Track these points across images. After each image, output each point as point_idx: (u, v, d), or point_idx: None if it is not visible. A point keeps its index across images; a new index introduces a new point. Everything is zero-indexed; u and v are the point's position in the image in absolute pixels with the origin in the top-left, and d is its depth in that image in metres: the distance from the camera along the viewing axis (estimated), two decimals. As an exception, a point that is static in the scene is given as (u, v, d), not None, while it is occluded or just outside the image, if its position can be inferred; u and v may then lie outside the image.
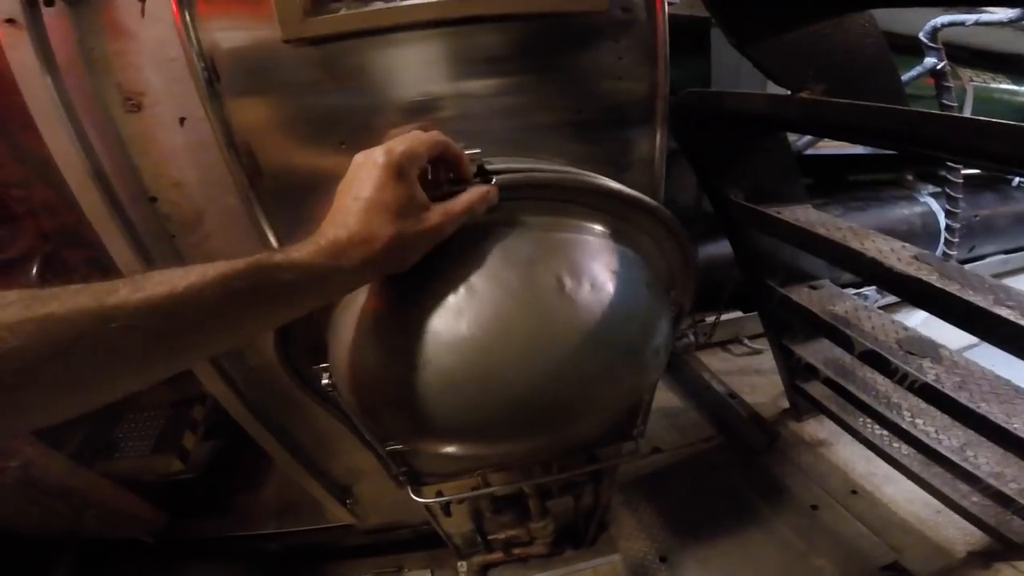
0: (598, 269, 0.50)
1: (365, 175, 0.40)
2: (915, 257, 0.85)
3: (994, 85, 2.15)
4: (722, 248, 1.47)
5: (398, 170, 0.40)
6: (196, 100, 0.51)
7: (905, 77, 1.60)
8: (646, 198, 0.56)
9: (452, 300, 0.46)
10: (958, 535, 1.24)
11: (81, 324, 0.29)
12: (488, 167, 0.49)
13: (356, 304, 0.50)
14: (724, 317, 1.76)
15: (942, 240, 1.58)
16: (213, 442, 1.53)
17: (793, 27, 0.79)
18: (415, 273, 0.45)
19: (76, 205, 0.57)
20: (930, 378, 0.88)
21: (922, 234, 1.91)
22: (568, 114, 0.60)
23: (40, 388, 0.29)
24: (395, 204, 0.39)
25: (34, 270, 0.95)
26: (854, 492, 1.37)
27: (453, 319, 0.45)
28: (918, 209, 2.00)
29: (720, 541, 1.29)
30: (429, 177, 0.45)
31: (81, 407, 0.32)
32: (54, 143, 0.52)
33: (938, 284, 0.75)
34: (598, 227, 0.54)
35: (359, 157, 0.42)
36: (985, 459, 0.98)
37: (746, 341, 1.88)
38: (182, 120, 0.54)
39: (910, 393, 0.96)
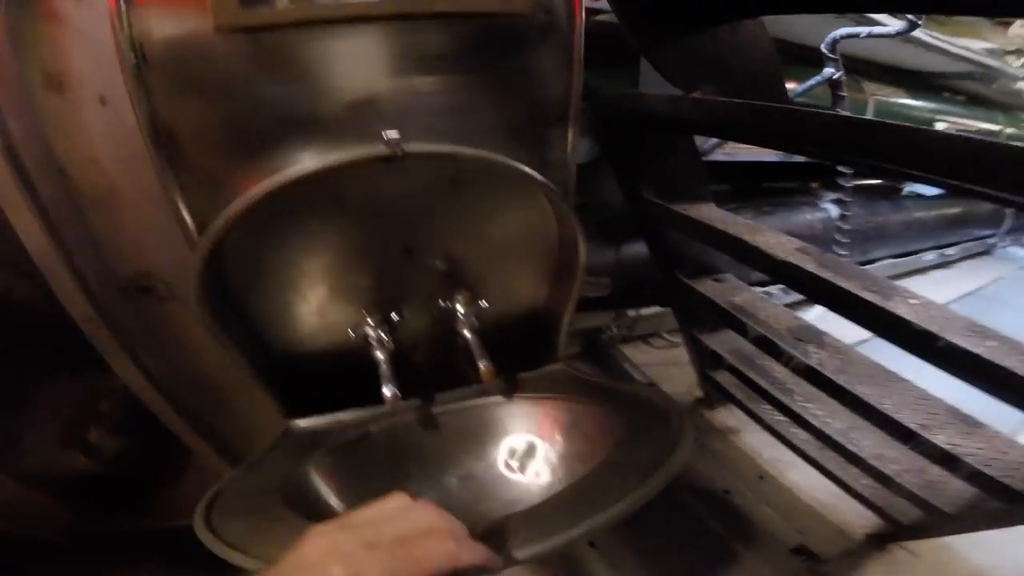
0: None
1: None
2: (798, 249, 1.02)
3: (894, 99, 2.49)
4: (644, 248, 1.63)
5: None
6: (120, 82, 0.54)
7: (804, 86, 1.84)
8: (534, 173, 0.69)
9: None
10: (856, 518, 1.40)
11: None
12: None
13: None
14: (644, 312, 1.93)
15: (835, 236, 1.85)
16: (122, 437, 1.45)
17: (689, 31, 0.91)
18: None
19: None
20: (813, 361, 1.02)
21: (822, 238, 2.18)
22: (492, 113, 0.69)
23: None
24: None
25: None
26: (761, 477, 1.54)
27: None
28: (819, 215, 2.28)
29: (643, 524, 1.38)
30: None
31: None
32: None
33: (812, 270, 0.91)
34: None
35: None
36: (868, 442, 1.12)
37: (665, 335, 2.08)
38: (103, 99, 0.57)
39: (800, 379, 1.12)
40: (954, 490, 0.99)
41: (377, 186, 0.68)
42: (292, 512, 0.56)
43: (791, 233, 2.13)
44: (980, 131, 2.88)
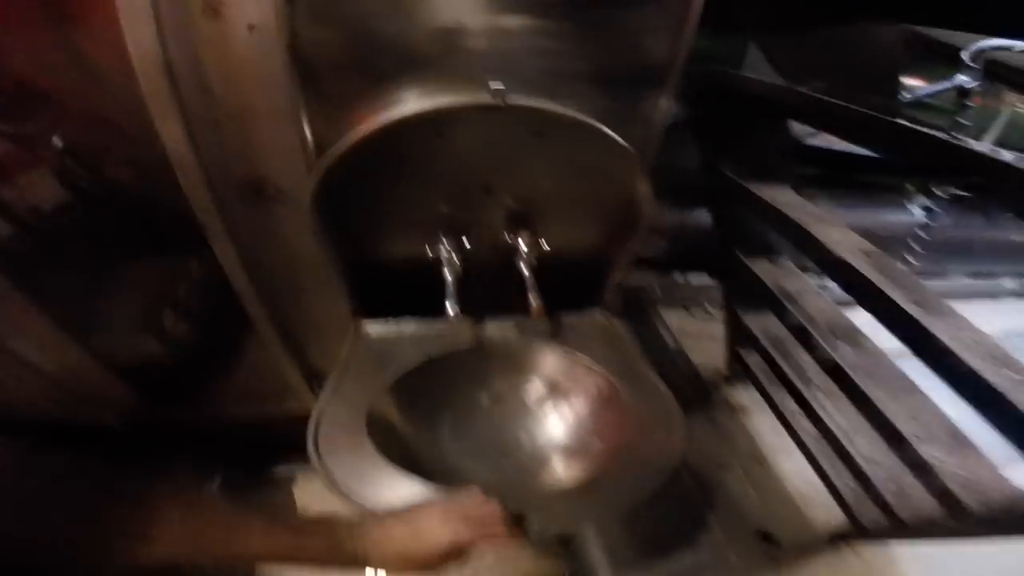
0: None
1: (423, 546, 0.55)
2: (862, 250, 1.05)
3: None
4: (706, 217, 1.65)
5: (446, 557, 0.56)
6: (269, 11, 0.62)
7: (932, 89, 1.76)
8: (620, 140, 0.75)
9: None
10: (825, 514, 1.49)
11: None
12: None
13: None
14: (693, 280, 1.99)
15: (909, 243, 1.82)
16: (194, 325, 1.58)
17: (809, 27, 0.92)
18: None
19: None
20: (840, 357, 1.09)
21: (900, 242, 2.10)
22: (589, 64, 0.73)
23: None
24: (428, 569, 0.56)
25: (58, 145, 1.02)
26: (756, 459, 1.65)
27: None
28: (903, 217, 2.17)
29: None
30: None
31: None
32: (137, 40, 0.63)
33: (865, 272, 0.95)
34: None
35: (432, 514, 0.58)
36: (865, 443, 1.18)
37: (707, 306, 2.13)
38: (251, 27, 0.65)
39: (822, 373, 1.18)
40: (919, 502, 1.06)
41: (474, 127, 0.75)
42: (378, 451, 0.71)
43: (867, 231, 2.10)
44: None
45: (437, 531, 0.56)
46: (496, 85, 0.66)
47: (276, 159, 0.76)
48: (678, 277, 1.99)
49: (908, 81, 1.94)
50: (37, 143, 1.16)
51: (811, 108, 0.92)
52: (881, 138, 0.84)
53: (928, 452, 0.93)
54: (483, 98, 0.67)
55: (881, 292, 0.91)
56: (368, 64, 0.67)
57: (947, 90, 1.59)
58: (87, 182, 1.20)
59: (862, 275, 0.93)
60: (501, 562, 1.37)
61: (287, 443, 1.48)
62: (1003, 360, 0.79)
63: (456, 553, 0.57)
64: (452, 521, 0.56)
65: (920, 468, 0.95)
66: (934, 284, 2.52)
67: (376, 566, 0.54)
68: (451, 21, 0.67)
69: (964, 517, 0.89)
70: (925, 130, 0.76)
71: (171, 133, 0.70)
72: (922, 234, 1.76)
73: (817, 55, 0.95)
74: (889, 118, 0.79)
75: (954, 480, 0.90)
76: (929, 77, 1.90)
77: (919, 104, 1.83)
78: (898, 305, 0.89)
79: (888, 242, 2.08)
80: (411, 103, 0.69)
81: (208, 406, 1.52)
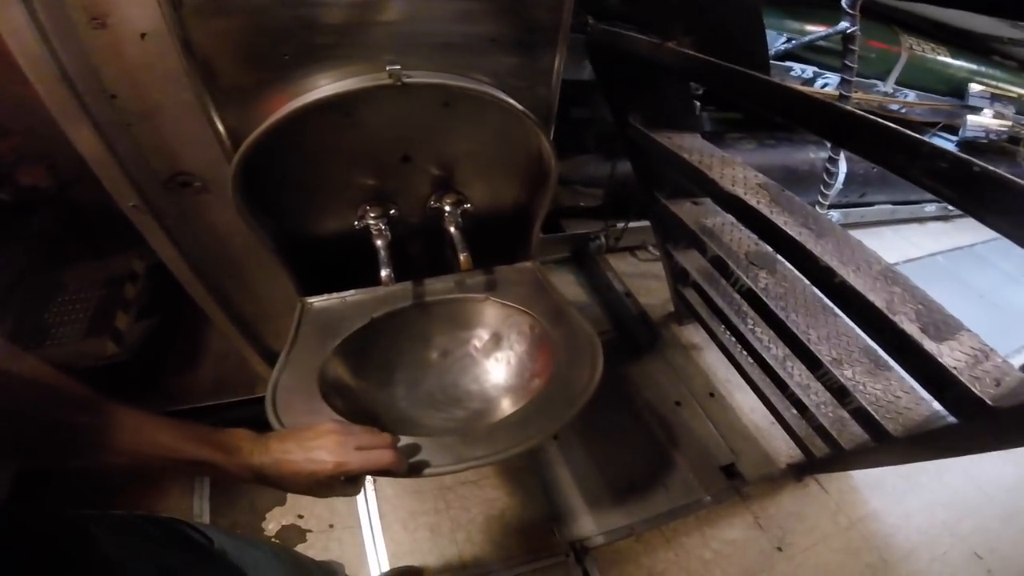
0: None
1: (314, 468, 0.60)
2: (760, 185, 1.15)
3: (931, 56, 2.46)
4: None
5: (333, 480, 0.61)
6: (158, 17, 0.66)
7: (816, 35, 1.89)
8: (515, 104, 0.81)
9: None
10: (783, 447, 1.62)
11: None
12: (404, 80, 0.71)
13: None
14: (632, 225, 2.10)
15: (824, 176, 1.95)
16: (146, 322, 1.65)
17: None
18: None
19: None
20: (758, 286, 1.19)
21: (819, 176, 2.18)
22: (484, 36, 0.81)
23: None
24: (317, 490, 0.61)
25: None
26: (711, 395, 1.77)
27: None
28: (823, 154, 2.32)
29: (601, 426, 1.67)
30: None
31: None
32: (25, 56, 0.67)
33: (754, 204, 1.06)
34: None
35: (327, 440, 0.62)
36: (799, 372, 1.29)
37: (650, 248, 2.26)
38: (143, 35, 0.70)
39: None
40: (855, 428, 1.15)
41: (381, 104, 0.82)
42: (333, 411, 0.78)
43: (787, 168, 2.26)
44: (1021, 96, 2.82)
45: (328, 455, 0.61)
46: (393, 65, 0.72)
47: (195, 152, 0.81)
48: (620, 224, 2.09)
49: (800, 25, 2.06)
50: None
51: (680, 63, 1.00)
52: (740, 92, 0.92)
53: (847, 374, 1.03)
54: (381, 79, 0.73)
55: (769, 221, 1.01)
56: (264, 55, 0.72)
57: (831, 34, 1.71)
58: (5, 193, 1.21)
59: (751, 207, 1.03)
60: (487, 517, 1.52)
61: (266, 426, 1.61)
62: (895, 280, 0.88)
63: (342, 479, 0.63)
64: (344, 448, 0.62)
65: (837, 391, 1.04)
66: (859, 211, 2.69)
67: (271, 481, 0.59)
68: (358, 25, 0.73)
69: (878, 434, 0.98)
70: (785, 86, 0.84)
71: (84, 139, 0.75)
72: (829, 167, 1.89)
73: (682, 11, 1.02)
74: (758, 75, 0.87)
75: (869, 400, 0.99)
76: (818, 20, 2.02)
77: (812, 47, 1.96)
78: (785, 232, 0.98)
79: (807, 177, 2.23)
80: (318, 87, 0.75)
81: (180, 398, 1.56)
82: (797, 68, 2.03)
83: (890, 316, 0.80)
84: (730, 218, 1.42)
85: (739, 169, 1.17)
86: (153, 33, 0.70)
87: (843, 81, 1.48)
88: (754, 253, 1.30)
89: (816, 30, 2.00)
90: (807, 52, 2.04)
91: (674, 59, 1.01)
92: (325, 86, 0.75)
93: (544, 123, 0.94)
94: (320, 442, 0.62)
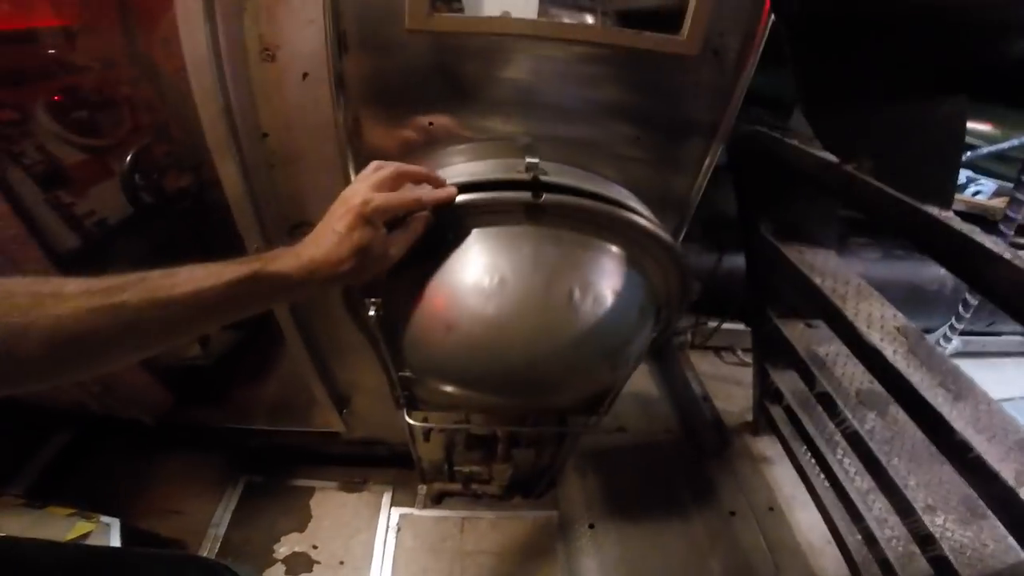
0: (603, 288, 0.70)
1: (343, 214, 0.58)
2: (899, 328, 1.04)
3: None
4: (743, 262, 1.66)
5: (368, 219, 0.58)
6: (323, 61, 0.68)
7: (999, 147, 1.73)
8: (663, 235, 0.73)
9: (487, 285, 0.66)
10: (831, 567, 1.49)
11: (143, 310, 0.47)
12: (542, 179, 0.68)
13: (411, 262, 0.69)
14: (726, 325, 1.98)
15: (960, 307, 1.76)
16: (232, 333, 1.76)
17: (870, 101, 0.90)
18: (464, 253, 0.66)
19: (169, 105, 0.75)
20: (865, 427, 1.09)
21: (949, 298, 2.04)
22: (634, 124, 0.77)
23: (108, 355, 0.48)
24: (359, 243, 0.57)
25: (128, 159, 1.13)
26: (771, 509, 1.64)
27: (483, 301, 0.66)
28: None
29: (643, 523, 1.58)
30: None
31: (134, 360, 0.52)
32: (199, 81, 0.69)
33: (888, 355, 0.94)
34: (616, 250, 0.73)
35: (347, 192, 0.60)
36: (880, 507, 1.19)
37: (739, 352, 2.11)
38: (305, 75, 0.71)
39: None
40: (922, 568, 1.05)
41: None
42: None
43: (913, 286, 2.04)
44: None
45: (347, 201, 0.58)
46: (532, 159, 0.70)
47: (323, 205, 0.82)
48: (712, 323, 1.98)
49: (977, 126, 1.90)
50: (110, 156, 1.29)
51: (854, 192, 0.91)
52: (922, 238, 0.83)
53: (937, 521, 0.95)
54: (518, 173, 0.69)
55: (905, 380, 0.91)
56: (411, 120, 0.73)
57: (1013, 148, 1.56)
58: (149, 195, 1.31)
59: (889, 364, 0.93)
60: (496, 528, 1.50)
61: (309, 457, 1.65)
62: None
63: (380, 231, 0.59)
64: (365, 188, 0.59)
65: (924, 537, 0.97)
66: (982, 340, 2.44)
67: (318, 266, 0.56)
68: (502, 93, 0.73)
69: None
70: (971, 235, 0.75)
71: (229, 174, 0.77)
72: (968, 297, 1.71)
73: (870, 130, 0.94)
74: (935, 216, 0.78)
75: (953, 547, 0.92)
76: (996, 119, 1.85)
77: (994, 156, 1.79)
78: (921, 395, 0.88)
79: (935, 298, 2.03)
80: (453, 171, 0.73)
81: (238, 413, 1.61)
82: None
83: (1016, 489, 0.74)
84: (844, 348, 1.31)
85: (876, 305, 1.06)
86: (314, 75, 0.72)
87: (1014, 201, 1.28)
88: (866, 392, 1.18)
89: (978, 128, 1.84)
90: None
91: (844, 184, 0.92)
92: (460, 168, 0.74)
93: (678, 222, 0.90)
94: (340, 201, 0.60)
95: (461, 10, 0.71)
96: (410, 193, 0.63)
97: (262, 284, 0.54)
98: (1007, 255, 0.70)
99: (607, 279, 0.71)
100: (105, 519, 1.29)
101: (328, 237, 0.57)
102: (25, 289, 0.43)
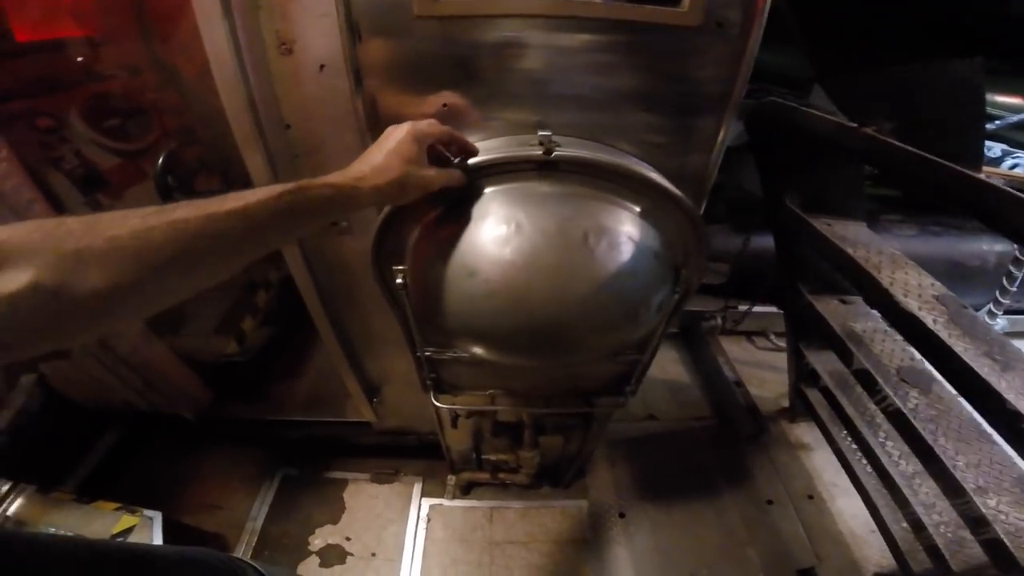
0: (618, 234, 0.71)
1: (393, 134, 0.62)
2: (937, 297, 1.01)
3: None
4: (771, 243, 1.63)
5: (416, 136, 0.62)
6: (338, 51, 0.70)
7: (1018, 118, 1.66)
8: (673, 189, 0.74)
9: (503, 231, 0.68)
10: (875, 555, 1.47)
11: (193, 222, 0.46)
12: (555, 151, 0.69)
13: (433, 225, 0.73)
14: (757, 309, 1.94)
15: (1003, 281, 1.70)
16: (267, 329, 1.82)
17: (881, 64, 0.88)
18: (482, 207, 0.68)
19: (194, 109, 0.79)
20: (908, 406, 1.05)
21: (992, 273, 1.96)
22: (645, 103, 0.77)
23: (164, 282, 0.47)
24: (408, 154, 0.61)
25: (159, 162, 1.19)
26: (810, 497, 1.61)
27: (501, 245, 0.68)
28: (998, 247, 2.02)
29: (676, 512, 1.57)
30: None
31: (181, 295, 0.50)
32: (222, 76, 0.72)
33: (932, 327, 0.92)
34: (631, 204, 0.74)
35: (390, 128, 0.64)
36: (927, 491, 1.17)
37: (772, 337, 2.08)
38: (322, 67, 0.74)
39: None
40: (972, 553, 1.05)
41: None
42: None
43: (952, 262, 1.98)
44: None
45: (391, 131, 0.63)
46: (543, 131, 0.71)
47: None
48: (742, 306, 1.95)
49: (999, 98, 1.82)
50: (142, 160, 1.36)
51: (875, 152, 0.89)
52: (960, 195, 0.80)
53: (991, 503, 0.92)
54: (533, 152, 0.70)
55: (948, 348, 0.89)
56: (426, 100, 0.74)
57: None
58: (182, 196, 1.37)
59: (929, 331, 0.90)
60: (525, 518, 1.52)
61: (343, 449, 1.70)
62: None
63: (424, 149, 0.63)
64: (403, 125, 0.63)
65: (975, 520, 0.94)
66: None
67: (364, 180, 0.59)
68: (514, 68, 0.73)
69: (1012, 568, 0.87)
70: (1007, 189, 0.73)
71: (256, 165, 0.80)
72: (1013, 269, 1.64)
73: (886, 93, 0.92)
74: (971, 174, 0.76)
75: (1008, 530, 0.88)
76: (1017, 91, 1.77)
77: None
78: (967, 364, 0.86)
79: (977, 273, 1.95)
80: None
81: (275, 407, 1.67)
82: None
83: None
84: (882, 324, 1.27)
85: (912, 273, 1.03)
86: (331, 66, 0.75)
87: None
88: (907, 369, 1.15)
89: (1014, 102, 1.77)
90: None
91: (866, 147, 0.90)
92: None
93: (695, 198, 0.87)
94: (387, 131, 0.64)
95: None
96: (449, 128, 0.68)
97: (308, 196, 0.55)
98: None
99: (621, 225, 0.72)
100: (148, 513, 1.35)
101: (376, 153, 0.61)
102: (78, 218, 0.42)
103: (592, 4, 0.75)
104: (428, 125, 0.65)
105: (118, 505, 1.36)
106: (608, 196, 0.73)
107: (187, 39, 0.70)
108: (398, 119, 0.75)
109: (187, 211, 0.47)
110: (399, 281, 0.76)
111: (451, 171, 0.67)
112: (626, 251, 0.71)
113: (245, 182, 0.83)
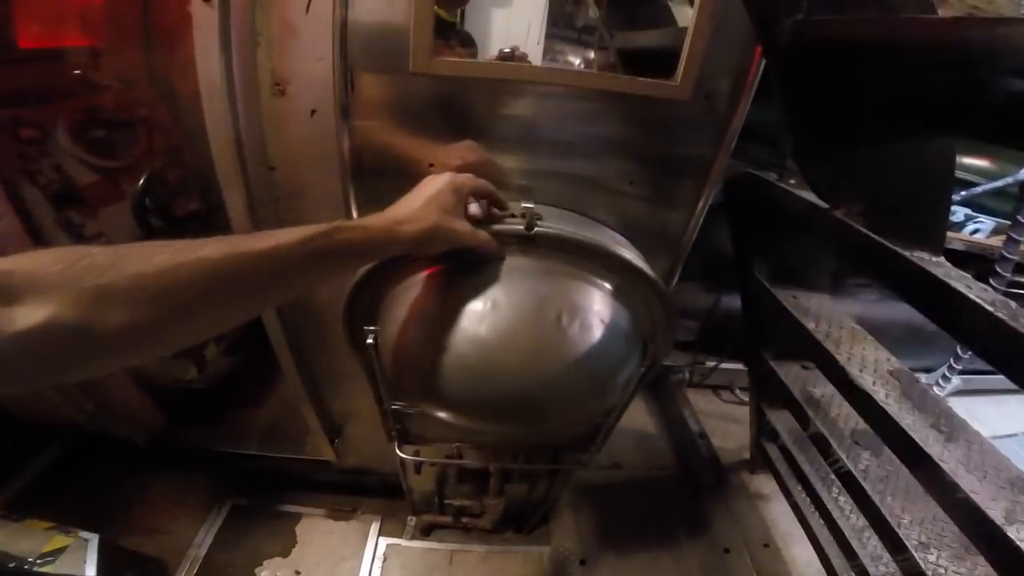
0: (591, 316, 0.73)
1: (433, 183, 0.63)
2: (892, 372, 1.05)
3: None
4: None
5: (456, 187, 0.64)
6: (330, 98, 0.72)
7: (993, 185, 1.75)
8: (646, 269, 0.77)
9: (479, 308, 0.69)
10: None
11: (224, 263, 0.45)
12: (537, 226, 0.71)
13: (410, 290, 0.73)
14: (724, 364, 1.99)
15: (958, 347, 1.76)
16: (231, 358, 1.76)
17: (856, 144, 0.92)
18: (461, 281, 0.69)
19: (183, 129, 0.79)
20: (859, 467, 1.09)
21: (950, 338, 2.03)
22: (629, 162, 0.81)
23: (191, 320, 0.45)
24: (445, 204, 0.62)
25: (140, 182, 1.17)
26: (766, 545, 1.64)
27: (476, 321, 0.69)
28: None
29: (635, 559, 1.58)
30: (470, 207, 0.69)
31: (205, 335, 0.49)
32: (211, 111, 0.73)
33: (880, 399, 0.95)
34: (604, 283, 0.76)
35: (429, 178, 0.65)
36: (875, 544, 1.19)
37: (737, 391, 2.12)
38: (313, 111, 0.75)
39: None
40: None
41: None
42: None
43: (912, 327, 2.04)
44: None
45: (432, 179, 0.64)
46: (527, 204, 0.72)
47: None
48: (710, 362, 1.99)
49: (967, 160, 1.91)
50: (123, 178, 1.33)
51: (841, 239, 0.94)
52: (911, 291, 0.86)
53: (930, 559, 0.95)
54: (514, 227, 0.72)
55: (895, 424, 0.92)
56: (411, 159, 0.77)
57: (1009, 185, 1.58)
58: (159, 219, 1.35)
59: (880, 409, 0.94)
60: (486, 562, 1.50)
61: (298, 483, 1.64)
62: (1021, 488, 0.79)
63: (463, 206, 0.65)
64: (444, 175, 0.64)
65: (916, 575, 0.96)
66: (983, 378, 2.41)
67: (402, 222, 0.59)
68: (501, 131, 0.77)
69: None
70: (955, 286, 0.76)
71: (235, 203, 0.80)
72: None
73: (858, 174, 0.96)
74: (918, 264, 0.80)
75: None
76: (993, 155, 1.87)
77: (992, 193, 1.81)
78: (910, 437, 0.88)
79: (935, 338, 2.02)
80: None
81: (230, 437, 1.61)
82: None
83: (1005, 528, 0.73)
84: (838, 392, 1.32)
85: (870, 349, 1.07)
86: (322, 112, 0.75)
87: (1010, 240, 1.29)
88: (861, 432, 1.18)
89: (981, 164, 1.86)
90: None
91: (835, 230, 0.94)
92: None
93: (673, 258, 0.94)
94: (427, 179, 0.65)
95: (470, 51, 0.76)
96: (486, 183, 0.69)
97: (342, 239, 0.53)
98: (988, 307, 0.72)
99: (593, 306, 0.74)
100: (84, 534, 1.28)
101: (414, 199, 0.62)
102: (104, 249, 0.41)
103: (585, 75, 0.80)
104: (467, 178, 0.66)
105: (51, 524, 1.29)
106: (583, 274, 0.75)
107: (189, 56, 0.70)
108: (384, 169, 0.78)
109: (217, 248, 0.45)
110: (369, 341, 0.76)
111: (486, 236, 0.68)
112: (597, 332, 0.73)
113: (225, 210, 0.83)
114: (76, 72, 1.33)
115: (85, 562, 1.24)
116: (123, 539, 1.45)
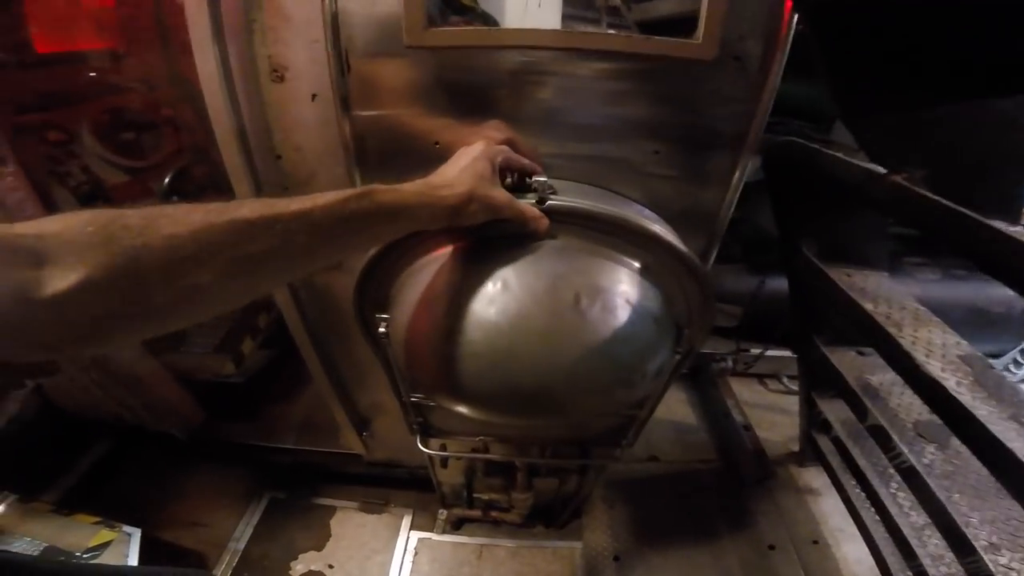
0: (614, 297, 0.65)
1: (468, 152, 0.60)
2: (961, 357, 0.95)
3: None
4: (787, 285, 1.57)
5: (490, 155, 0.61)
6: (328, 81, 0.67)
7: None
8: (677, 244, 0.68)
9: (488, 290, 0.63)
10: None
11: (258, 223, 0.43)
12: (550, 199, 0.64)
13: (420, 275, 0.68)
14: (770, 352, 1.87)
15: (1033, 333, 1.61)
16: (265, 352, 1.79)
17: (914, 104, 0.82)
18: (469, 263, 0.63)
19: (208, 127, 0.77)
20: (923, 462, 1.00)
21: (1018, 320, 1.86)
22: (654, 136, 0.73)
23: (224, 283, 0.43)
24: (480, 172, 0.58)
25: (167, 180, 1.18)
26: (815, 542, 1.54)
27: (485, 304, 0.63)
28: None
29: (672, 556, 1.50)
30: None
31: (239, 300, 0.47)
32: (212, 102, 0.70)
33: (951, 387, 0.86)
34: (630, 260, 0.68)
35: (463, 148, 0.62)
36: (936, 543, 1.10)
37: (784, 379, 2.00)
38: (314, 96, 0.71)
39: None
40: None
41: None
42: None
43: (976, 309, 1.88)
44: None
45: (468, 148, 0.61)
46: (539, 178, 0.66)
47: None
48: (754, 349, 1.88)
49: None
50: (150, 177, 1.35)
51: (902, 203, 0.84)
52: (988, 258, 0.73)
53: (1002, 561, 0.86)
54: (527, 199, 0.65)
55: (971, 415, 0.82)
56: (417, 135, 0.71)
57: None
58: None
59: (948, 393, 0.84)
60: (515, 557, 1.46)
61: (333, 477, 1.65)
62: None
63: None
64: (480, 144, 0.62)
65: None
66: None
67: (414, 198, 0.55)
68: (509, 108, 0.70)
69: None
70: None
71: (243, 195, 0.78)
72: None
73: (919, 136, 0.86)
74: (1004, 231, 0.67)
75: None
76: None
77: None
78: (989, 431, 0.79)
79: (1002, 320, 1.86)
80: None
81: (267, 431, 1.64)
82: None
83: None
84: (899, 378, 1.20)
85: (936, 332, 0.96)
86: (322, 96, 0.72)
87: None
88: (925, 423, 1.09)
89: None
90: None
91: (894, 197, 0.83)
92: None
93: (708, 239, 0.84)
94: (463, 149, 0.62)
95: (472, 22, 0.69)
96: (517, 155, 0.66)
97: (375, 203, 0.51)
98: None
99: (617, 286, 0.67)
100: (127, 529, 1.32)
101: (450, 168, 0.59)
102: (137, 211, 0.40)
103: (597, 36, 0.72)
104: (501, 148, 0.63)
105: (97, 519, 1.34)
106: (605, 251, 0.68)
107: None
108: (390, 153, 0.73)
109: (252, 209, 0.44)
110: (381, 330, 0.71)
111: (531, 209, 0.63)
112: (621, 314, 0.66)
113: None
114: (99, 75, 1.35)
115: (128, 556, 1.28)
116: (165, 532, 1.50)
